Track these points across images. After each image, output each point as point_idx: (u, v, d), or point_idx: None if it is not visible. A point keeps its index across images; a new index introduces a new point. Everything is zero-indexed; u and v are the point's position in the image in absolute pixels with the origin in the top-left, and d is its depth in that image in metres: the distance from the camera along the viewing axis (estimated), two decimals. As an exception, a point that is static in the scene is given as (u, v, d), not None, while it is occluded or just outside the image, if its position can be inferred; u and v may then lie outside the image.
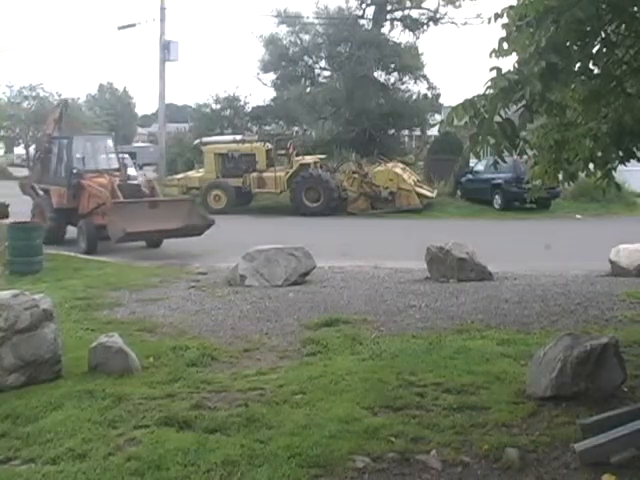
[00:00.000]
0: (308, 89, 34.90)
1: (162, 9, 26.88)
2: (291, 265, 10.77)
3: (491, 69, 4.54)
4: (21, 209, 15.77)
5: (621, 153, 5.59)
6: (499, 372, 5.97)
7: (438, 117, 33.85)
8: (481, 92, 4.57)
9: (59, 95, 44.19)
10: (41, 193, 16.28)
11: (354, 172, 23.88)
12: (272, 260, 10.75)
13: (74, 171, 15.62)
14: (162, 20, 26.83)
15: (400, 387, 5.65)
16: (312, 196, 22.78)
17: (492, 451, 4.46)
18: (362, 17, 34.95)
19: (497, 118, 4.56)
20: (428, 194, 24.35)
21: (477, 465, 4.35)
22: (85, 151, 16.42)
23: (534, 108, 4.74)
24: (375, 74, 34.24)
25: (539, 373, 5.40)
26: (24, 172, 43.27)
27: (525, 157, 5.68)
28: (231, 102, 32.70)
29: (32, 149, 45.26)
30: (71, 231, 15.79)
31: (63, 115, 17.72)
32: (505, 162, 5.13)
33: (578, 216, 23.00)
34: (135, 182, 17.04)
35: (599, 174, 5.89)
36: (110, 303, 9.23)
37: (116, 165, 16.78)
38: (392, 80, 35.61)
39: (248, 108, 33.16)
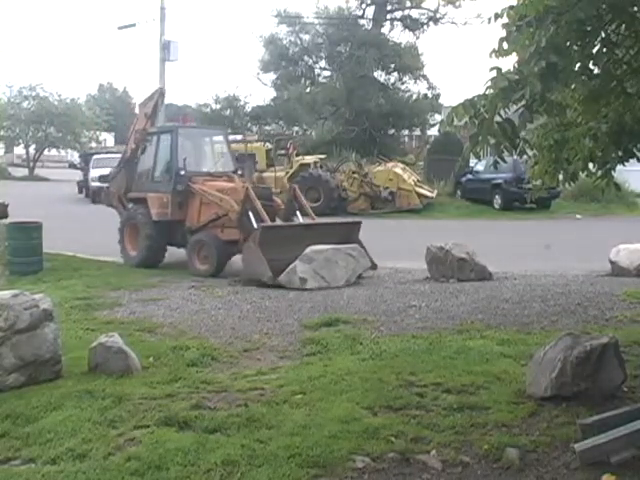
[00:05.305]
0: (308, 89, 35.03)
1: (162, 9, 26.91)
2: (350, 265, 10.56)
3: (491, 69, 4.55)
4: (23, 212, 14.71)
5: (621, 153, 5.59)
6: (499, 372, 5.96)
7: (438, 117, 33.95)
8: (481, 92, 4.58)
9: (59, 95, 44.27)
10: (130, 204, 13.28)
11: (354, 172, 23.93)
12: (331, 261, 10.37)
13: (181, 173, 12.31)
14: (162, 20, 26.85)
15: (400, 387, 5.65)
16: (312, 196, 22.78)
17: (492, 451, 4.45)
18: (362, 17, 35.10)
19: (497, 118, 4.57)
20: (428, 194, 24.41)
21: (477, 465, 4.34)
22: (191, 149, 13.28)
23: (534, 108, 4.74)
24: (375, 74, 34.37)
25: (539, 373, 5.40)
26: (24, 172, 43.44)
27: (525, 157, 5.68)
28: (231, 102, 32.80)
29: (32, 149, 45.37)
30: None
31: (159, 107, 14.21)
32: (505, 162, 5.13)
33: (578, 216, 23.03)
34: (266, 186, 13.36)
35: (599, 174, 5.89)
36: (110, 303, 9.21)
37: (232, 166, 13.49)
38: (392, 80, 35.79)
39: (248, 108, 33.28)
